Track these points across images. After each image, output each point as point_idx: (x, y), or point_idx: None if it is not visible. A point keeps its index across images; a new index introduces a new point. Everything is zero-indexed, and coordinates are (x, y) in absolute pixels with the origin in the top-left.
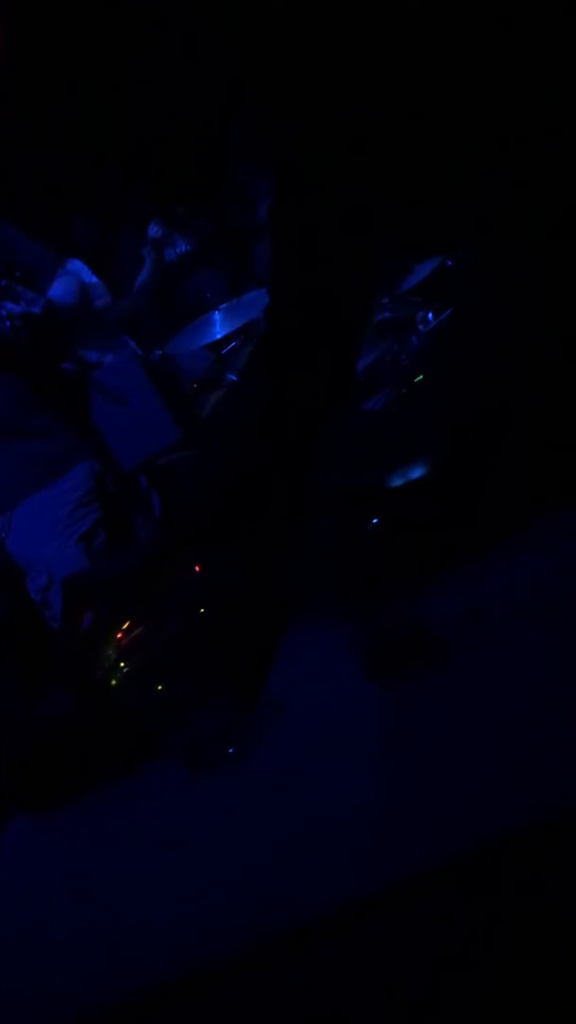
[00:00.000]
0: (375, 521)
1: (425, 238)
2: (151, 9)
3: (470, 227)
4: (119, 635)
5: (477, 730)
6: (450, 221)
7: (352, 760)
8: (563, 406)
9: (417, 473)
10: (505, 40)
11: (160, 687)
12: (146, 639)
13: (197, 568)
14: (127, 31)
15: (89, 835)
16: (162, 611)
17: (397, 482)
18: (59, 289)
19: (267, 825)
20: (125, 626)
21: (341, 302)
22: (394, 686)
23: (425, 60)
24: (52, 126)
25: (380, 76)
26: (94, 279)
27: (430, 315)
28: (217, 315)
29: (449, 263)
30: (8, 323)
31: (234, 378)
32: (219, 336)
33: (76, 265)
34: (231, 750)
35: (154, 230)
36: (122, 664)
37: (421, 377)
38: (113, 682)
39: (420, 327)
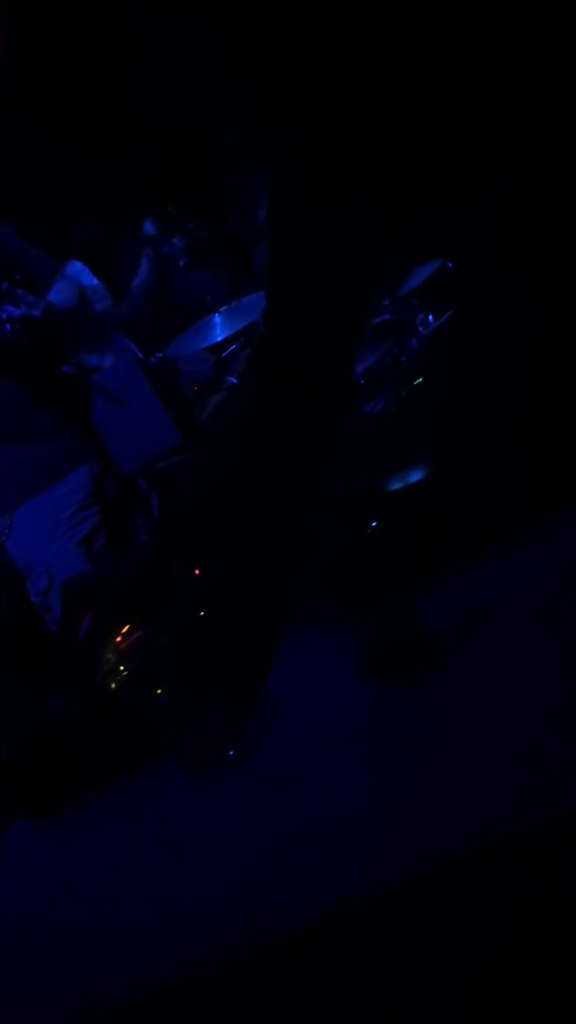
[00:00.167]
0: (374, 523)
1: (425, 240)
2: (151, 10)
3: (470, 229)
4: (119, 638)
5: (476, 731)
6: (450, 223)
7: (351, 761)
8: (562, 408)
9: (416, 476)
10: (505, 41)
11: (160, 689)
12: (145, 642)
13: (197, 571)
14: (127, 32)
15: (89, 837)
16: (161, 614)
17: (396, 485)
18: (58, 292)
19: (267, 826)
20: (125, 629)
21: (340, 304)
22: (393, 687)
23: (425, 61)
24: (52, 128)
25: (379, 77)
26: (95, 281)
27: (430, 317)
28: (217, 318)
29: (449, 265)
30: (8, 326)
31: (234, 380)
32: (219, 339)
33: (77, 267)
34: (231, 752)
35: (149, 228)
36: (121, 667)
37: (421, 380)
38: (113, 685)
39: (420, 329)
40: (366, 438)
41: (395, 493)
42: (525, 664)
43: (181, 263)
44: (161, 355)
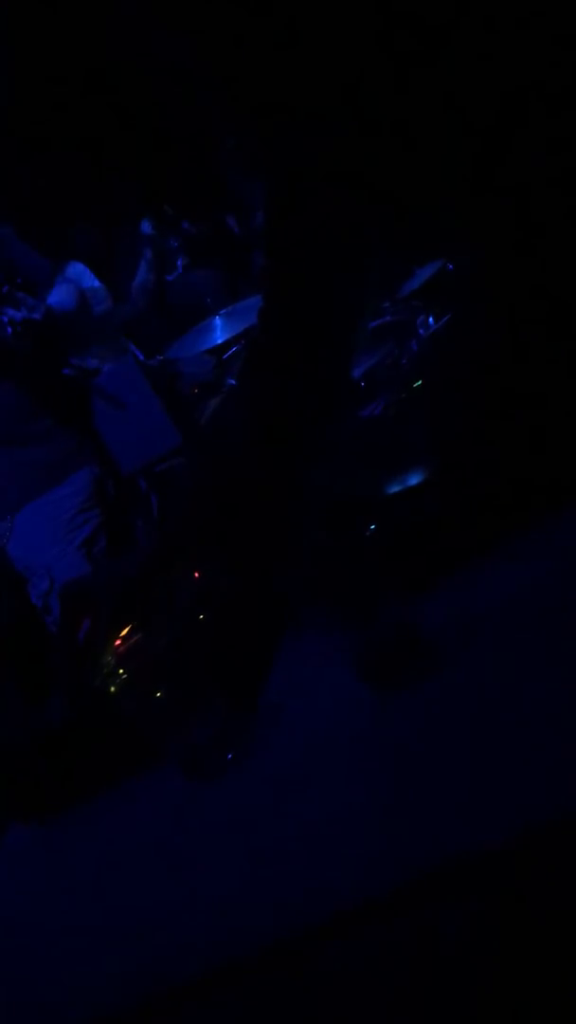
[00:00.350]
0: (372, 526)
1: (425, 242)
2: (150, 13)
3: (470, 230)
4: (118, 641)
5: (475, 734)
6: (450, 224)
7: (350, 764)
8: (561, 409)
9: (415, 479)
10: (505, 42)
11: (159, 692)
12: (145, 645)
13: (196, 574)
14: (126, 35)
15: (88, 840)
16: (160, 617)
17: (395, 487)
18: (59, 295)
19: (266, 829)
20: (124, 632)
21: (335, 305)
22: (392, 690)
23: (424, 63)
24: (52, 131)
25: (378, 78)
26: (96, 283)
27: (431, 319)
28: (217, 320)
29: (450, 267)
30: (9, 329)
31: (234, 382)
32: (220, 341)
33: (78, 269)
34: (229, 755)
35: (147, 229)
36: (120, 670)
37: (420, 382)
38: (112, 688)
39: (420, 331)
40: (365, 440)
41: (394, 496)
42: (524, 666)
43: (180, 264)
44: (162, 357)
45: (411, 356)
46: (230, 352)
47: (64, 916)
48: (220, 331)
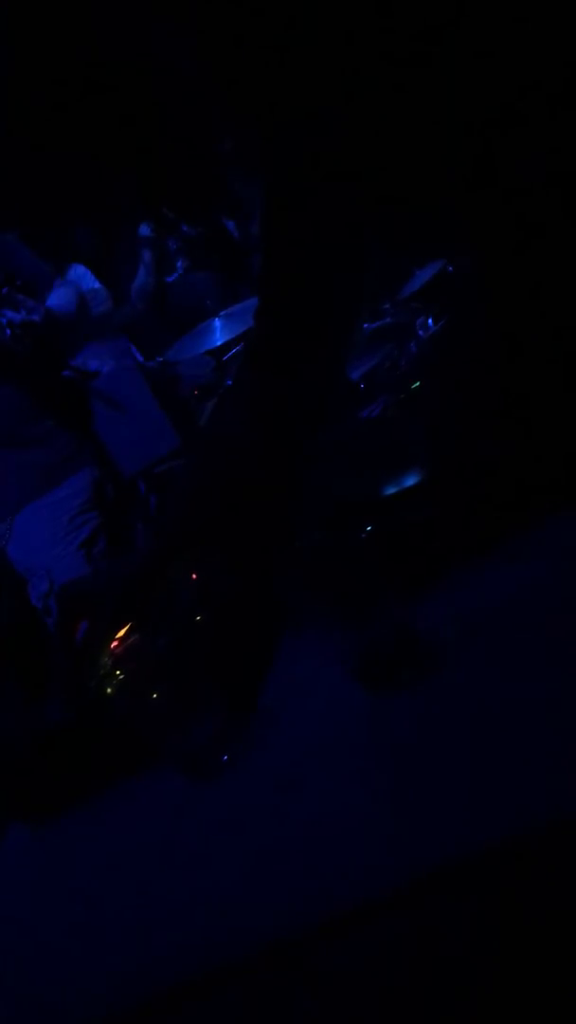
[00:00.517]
0: (369, 528)
1: (425, 243)
2: (149, 14)
3: (470, 232)
4: (115, 642)
5: (473, 736)
6: (450, 226)
7: (348, 765)
8: (560, 411)
9: (412, 480)
10: (504, 42)
11: (156, 694)
12: (142, 646)
13: (194, 576)
14: (125, 36)
15: (87, 841)
16: (158, 618)
17: (392, 489)
18: (58, 298)
19: (264, 830)
20: (121, 633)
21: (331, 304)
22: (390, 692)
23: (424, 63)
24: (51, 132)
25: (378, 78)
26: (96, 284)
27: (430, 321)
28: (217, 321)
29: (450, 269)
30: (9, 331)
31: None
32: (220, 343)
33: (79, 271)
34: (227, 756)
35: (147, 231)
36: (118, 671)
37: (418, 384)
38: (109, 689)
39: (420, 333)
40: (362, 442)
41: (391, 497)
42: (523, 667)
43: (180, 266)
44: (162, 359)
45: (410, 357)
46: (230, 354)
47: (64, 916)
48: (220, 333)
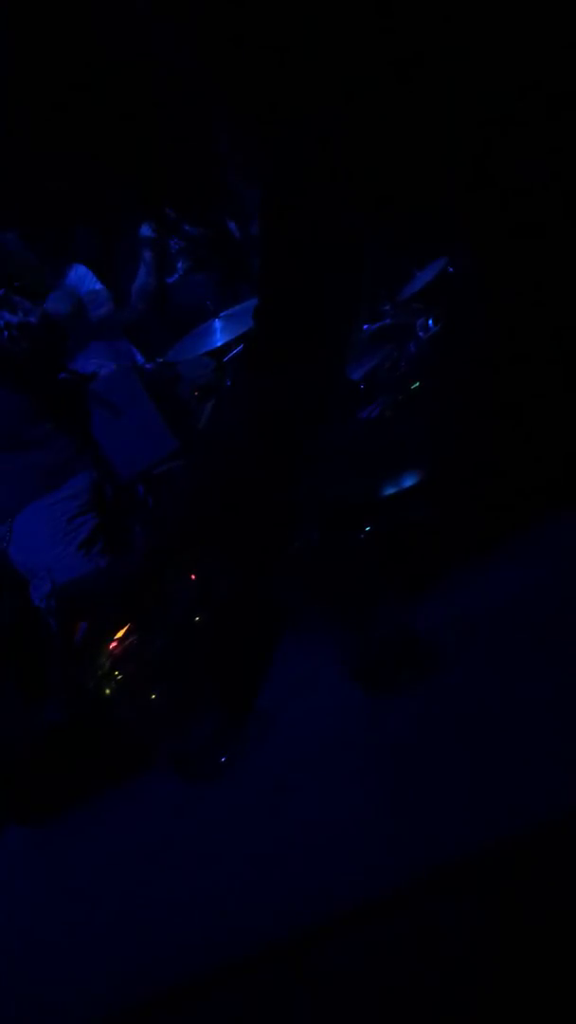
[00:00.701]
0: (368, 528)
1: (426, 244)
2: (149, 15)
3: (469, 233)
4: (114, 643)
5: (473, 736)
6: (450, 227)
7: (346, 767)
8: (559, 412)
9: (411, 481)
10: (504, 42)
11: (154, 695)
12: (140, 647)
13: (193, 576)
14: (125, 37)
15: (85, 842)
16: (156, 619)
17: (391, 490)
18: (55, 300)
19: (262, 831)
20: (120, 634)
21: (330, 304)
22: (389, 693)
23: (423, 63)
24: (51, 132)
25: (377, 78)
26: (98, 285)
27: (430, 322)
28: (218, 322)
29: (451, 270)
30: (6, 333)
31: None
32: (220, 343)
33: (80, 271)
34: (224, 757)
35: (147, 231)
36: (116, 672)
37: (417, 384)
38: (107, 690)
39: (420, 334)
40: (362, 442)
41: (391, 497)
42: (522, 667)
43: (180, 267)
44: (162, 360)
45: (410, 358)
46: (231, 355)
47: (64, 916)
48: (220, 334)
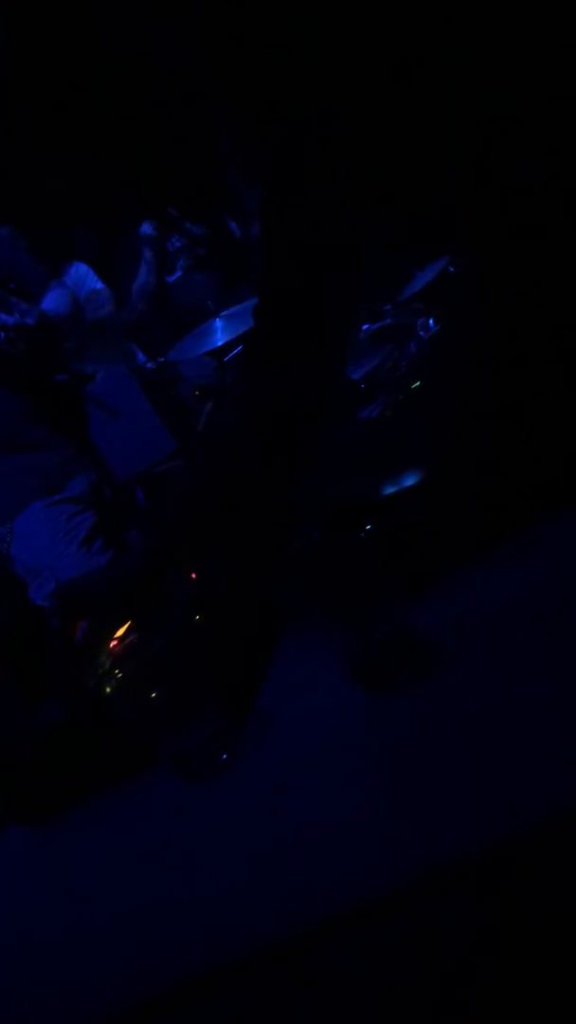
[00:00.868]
0: (368, 528)
1: (426, 244)
2: (149, 16)
3: (469, 234)
4: (113, 642)
5: (473, 736)
6: (450, 227)
7: (346, 767)
8: (558, 413)
9: (410, 481)
10: (504, 42)
11: (154, 694)
12: (140, 646)
13: (193, 576)
14: (125, 37)
15: (85, 842)
16: (156, 618)
17: (390, 490)
18: (52, 300)
19: (262, 831)
20: (120, 633)
21: (329, 303)
22: (387, 694)
23: (423, 63)
24: (50, 133)
25: (377, 78)
26: (99, 284)
27: (431, 322)
28: (219, 322)
29: (451, 270)
30: (2, 334)
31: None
32: (221, 343)
33: (82, 270)
34: (224, 757)
35: (148, 230)
36: (116, 671)
37: (417, 384)
38: (107, 689)
39: (421, 334)
40: (361, 442)
41: (390, 498)
42: (522, 667)
43: (181, 266)
44: (163, 360)
45: (410, 358)
46: (231, 355)
47: (63, 916)
48: (221, 333)
